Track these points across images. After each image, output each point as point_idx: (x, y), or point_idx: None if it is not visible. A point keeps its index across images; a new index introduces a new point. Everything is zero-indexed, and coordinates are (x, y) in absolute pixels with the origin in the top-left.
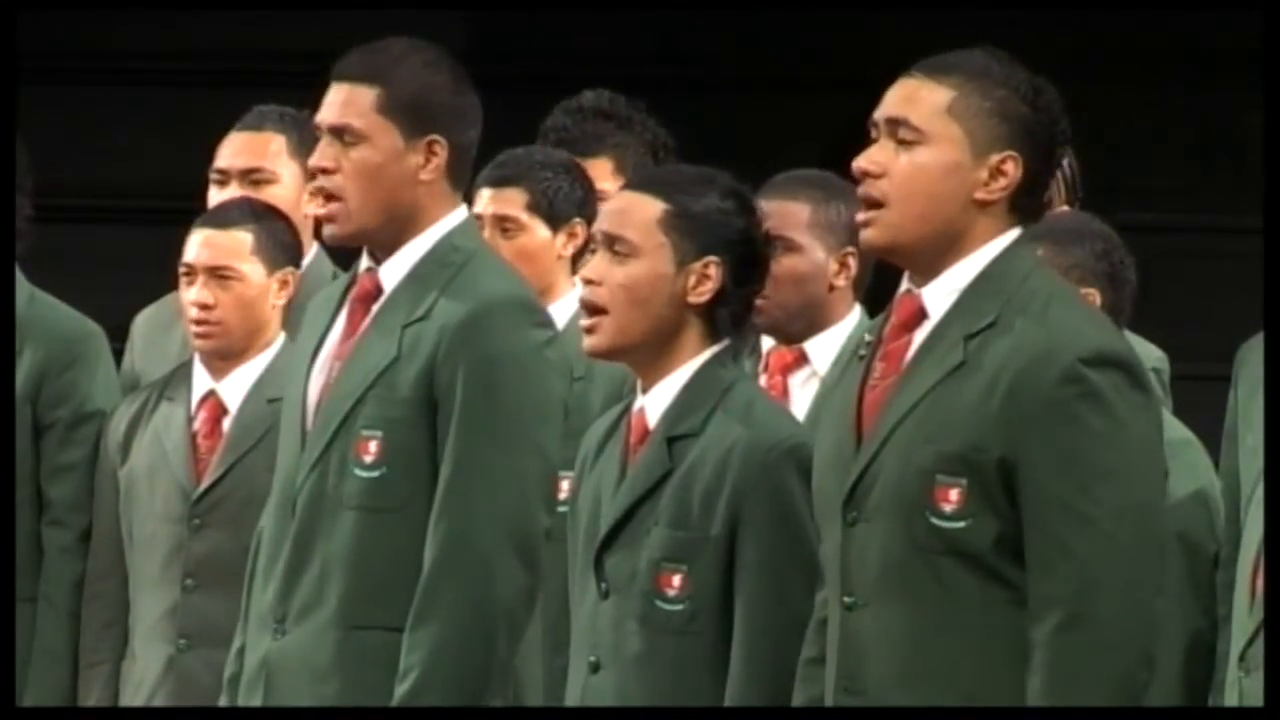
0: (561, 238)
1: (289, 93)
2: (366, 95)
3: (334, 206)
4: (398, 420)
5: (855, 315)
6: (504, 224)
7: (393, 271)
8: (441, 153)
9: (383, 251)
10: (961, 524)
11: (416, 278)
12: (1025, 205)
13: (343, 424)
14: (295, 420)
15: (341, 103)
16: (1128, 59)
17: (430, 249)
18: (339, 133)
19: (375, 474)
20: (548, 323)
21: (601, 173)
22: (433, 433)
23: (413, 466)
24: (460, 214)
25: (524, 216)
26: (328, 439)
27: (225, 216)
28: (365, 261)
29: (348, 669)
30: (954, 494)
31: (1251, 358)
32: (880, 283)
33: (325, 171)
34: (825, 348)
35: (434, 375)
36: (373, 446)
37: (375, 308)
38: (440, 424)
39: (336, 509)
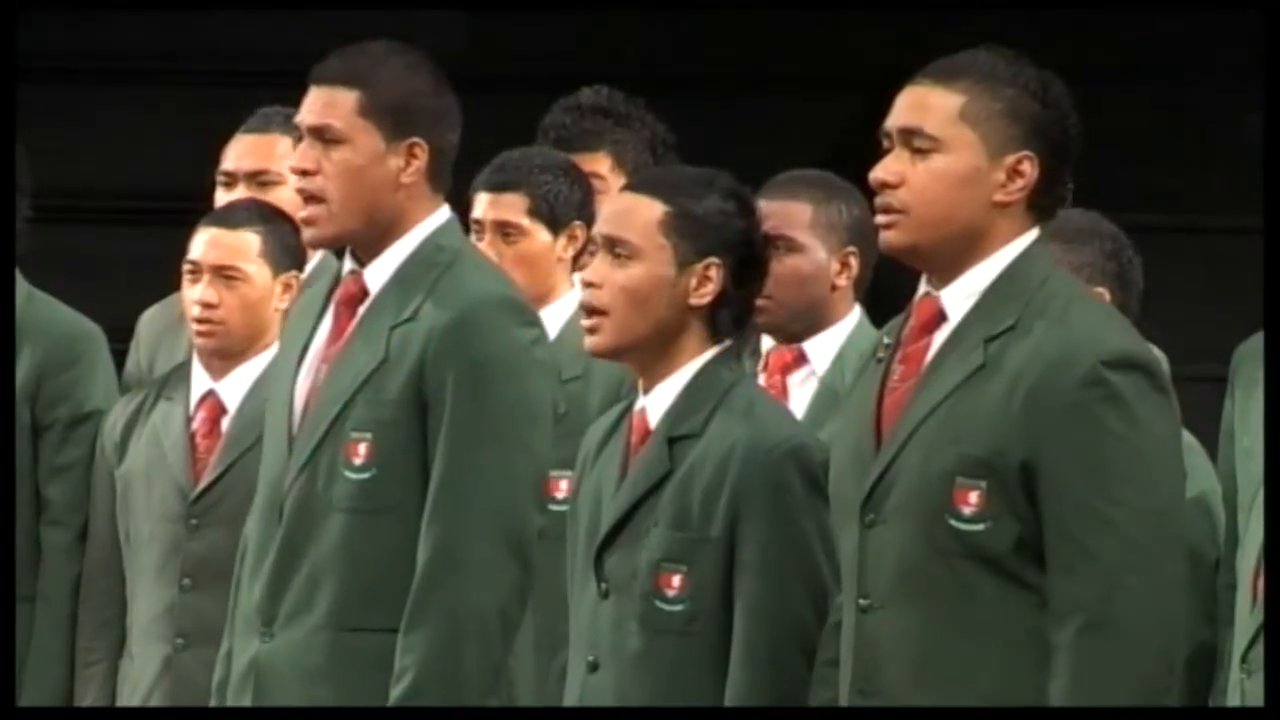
0: (562, 240)
1: (290, 94)
2: (347, 98)
3: (315, 209)
4: (387, 422)
5: (855, 315)
6: (505, 230)
7: (378, 273)
8: (422, 155)
9: (365, 253)
10: (981, 526)
11: (402, 279)
12: (1043, 203)
13: (331, 427)
14: (281, 424)
15: (322, 104)
16: (1127, 59)
17: (414, 250)
18: (319, 133)
19: (365, 476)
20: (535, 322)
21: (599, 168)
22: (422, 434)
23: (403, 468)
24: (443, 214)
25: (525, 222)
26: (316, 442)
27: (233, 217)
28: (349, 264)
29: (340, 671)
30: (974, 496)
31: (1248, 359)
32: (882, 283)
33: (306, 173)
34: (824, 347)
35: (423, 377)
36: (362, 449)
37: (361, 310)
38: (431, 426)
39: (326, 511)
